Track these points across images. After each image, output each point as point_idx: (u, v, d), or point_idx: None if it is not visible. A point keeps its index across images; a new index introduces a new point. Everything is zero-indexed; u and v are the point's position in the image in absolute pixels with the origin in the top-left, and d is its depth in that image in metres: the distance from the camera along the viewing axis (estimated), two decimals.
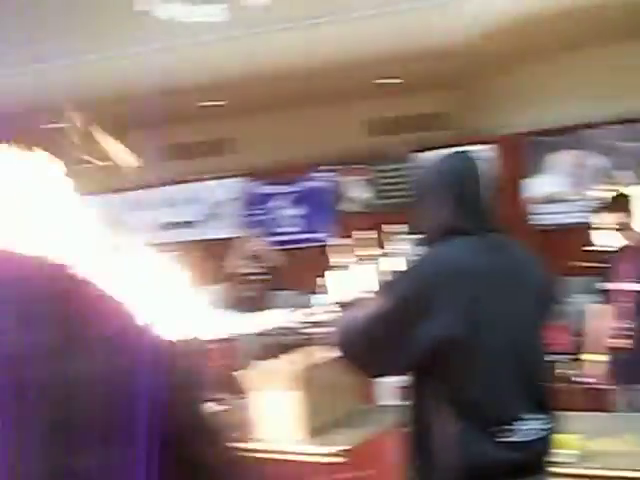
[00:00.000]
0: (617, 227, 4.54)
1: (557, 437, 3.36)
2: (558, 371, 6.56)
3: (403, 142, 10.50)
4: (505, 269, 2.46)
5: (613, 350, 4.61)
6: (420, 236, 2.62)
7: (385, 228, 3.42)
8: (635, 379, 4.50)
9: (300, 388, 3.91)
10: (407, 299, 2.35)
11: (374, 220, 8.74)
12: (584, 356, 5.01)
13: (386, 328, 2.35)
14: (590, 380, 4.85)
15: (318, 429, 3.96)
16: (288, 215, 10.90)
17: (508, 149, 9.25)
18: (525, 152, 9.08)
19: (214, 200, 11.43)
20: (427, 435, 2.36)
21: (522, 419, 2.34)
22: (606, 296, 4.71)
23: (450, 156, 2.63)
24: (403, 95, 11.85)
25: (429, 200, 2.57)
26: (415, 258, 2.49)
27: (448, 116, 12.03)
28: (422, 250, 2.53)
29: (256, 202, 11.16)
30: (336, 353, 2.53)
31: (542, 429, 2.41)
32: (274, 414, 4.01)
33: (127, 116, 11.87)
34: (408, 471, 2.45)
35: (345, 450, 3.77)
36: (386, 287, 2.54)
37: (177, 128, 12.97)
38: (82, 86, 10.13)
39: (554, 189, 8.83)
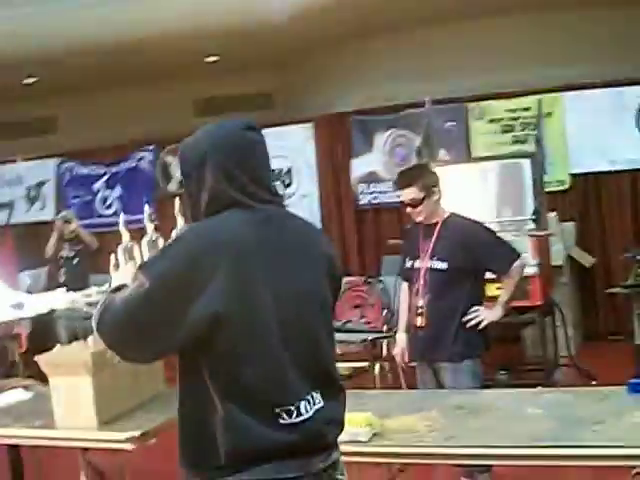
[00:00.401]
0: (408, 204, 4.52)
1: (350, 416, 3.33)
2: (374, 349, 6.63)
3: None
4: (279, 242, 2.27)
5: (413, 328, 4.62)
6: (189, 213, 2.41)
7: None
8: (431, 356, 4.52)
9: (91, 373, 3.74)
10: (165, 279, 2.14)
11: None
12: (396, 334, 5.02)
13: (145, 312, 2.15)
14: (396, 358, 4.86)
15: (114, 416, 3.81)
16: (108, 196, 10.60)
17: (330, 128, 9.27)
18: (347, 131, 9.10)
19: (33, 181, 10.96)
20: (199, 420, 2.20)
21: (302, 399, 2.22)
22: (411, 274, 4.70)
23: (217, 124, 2.35)
24: (229, 75, 11.71)
25: (195, 173, 2.30)
26: (176, 235, 2.27)
27: (273, 96, 12.02)
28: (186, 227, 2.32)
29: (76, 184, 10.77)
30: (97, 338, 2.32)
31: (324, 408, 2.29)
32: (70, 400, 3.85)
33: None
34: (182, 457, 2.29)
35: (139, 436, 3.64)
36: (143, 268, 2.24)
37: None
38: None
39: (374, 168, 8.91)
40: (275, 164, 9.48)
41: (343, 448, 3.13)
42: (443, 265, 4.42)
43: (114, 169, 10.57)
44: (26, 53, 9.92)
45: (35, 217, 10.82)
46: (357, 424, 3.29)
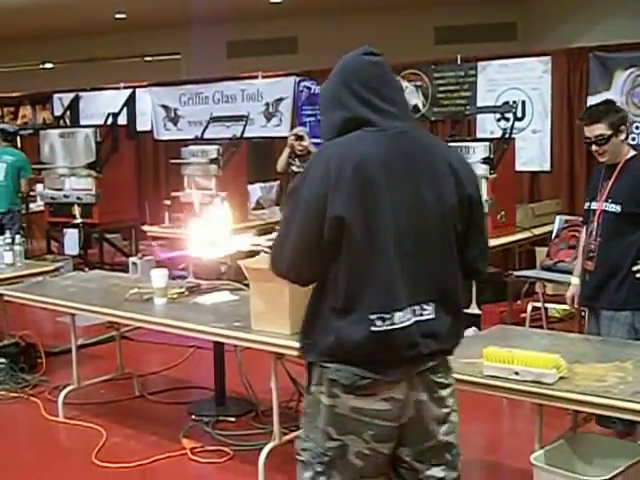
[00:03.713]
0: (593, 142, 4.28)
1: (538, 356, 3.25)
2: None
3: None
4: (404, 160, 2.43)
5: (584, 272, 4.46)
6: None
7: None
8: (594, 302, 4.37)
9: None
10: (306, 197, 2.38)
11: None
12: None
13: (297, 232, 2.41)
14: (567, 302, 4.72)
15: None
16: None
17: (568, 63, 8.90)
18: (585, 68, 8.70)
19: (271, 98, 11.29)
20: (310, 320, 2.48)
21: (400, 309, 2.36)
22: (588, 216, 4.48)
23: (349, 55, 2.57)
24: (472, 4, 11.54)
25: (328, 99, 2.57)
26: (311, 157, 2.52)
27: (515, 27, 11.74)
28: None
29: (312, 102, 10.97)
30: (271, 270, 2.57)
31: (433, 321, 2.42)
32: (267, 306, 3.99)
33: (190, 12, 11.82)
34: (299, 343, 2.56)
35: None
36: (289, 194, 2.53)
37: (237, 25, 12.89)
38: None
39: None
40: (509, 96, 9.27)
41: (528, 388, 3.15)
42: (617, 208, 4.20)
43: None
44: None
45: (271, 132, 11.14)
46: (544, 365, 3.24)
